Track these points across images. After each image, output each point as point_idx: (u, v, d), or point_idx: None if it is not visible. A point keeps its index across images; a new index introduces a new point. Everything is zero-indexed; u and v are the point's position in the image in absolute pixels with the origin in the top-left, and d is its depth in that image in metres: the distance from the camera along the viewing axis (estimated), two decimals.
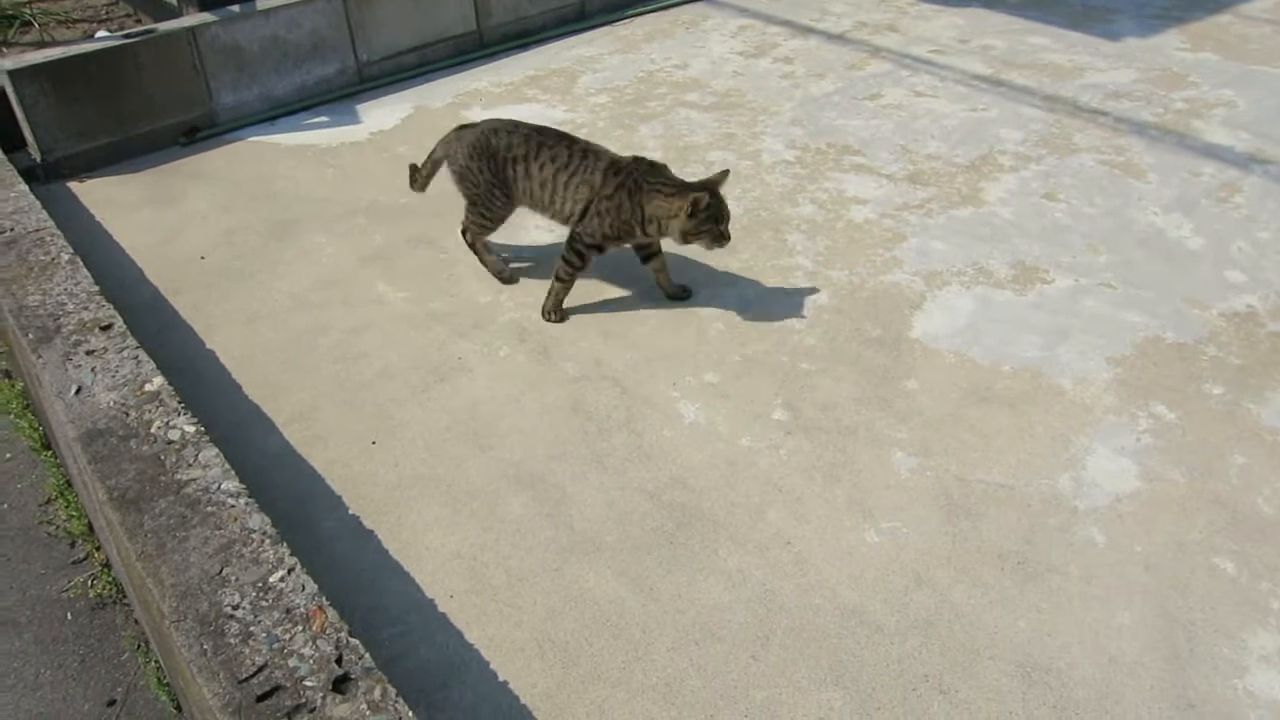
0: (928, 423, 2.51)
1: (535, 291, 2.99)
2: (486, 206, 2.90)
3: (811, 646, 1.96)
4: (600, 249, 2.80)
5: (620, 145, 3.85)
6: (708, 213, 2.62)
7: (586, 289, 3.00)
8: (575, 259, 2.80)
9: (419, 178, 3.10)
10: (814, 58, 4.66)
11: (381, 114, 4.19)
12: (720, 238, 2.68)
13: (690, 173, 3.66)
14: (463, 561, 2.15)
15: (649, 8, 5.28)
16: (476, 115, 4.13)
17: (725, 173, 2.74)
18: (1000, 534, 2.21)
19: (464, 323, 2.89)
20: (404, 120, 4.14)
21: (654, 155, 3.78)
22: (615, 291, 3.03)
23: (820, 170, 3.66)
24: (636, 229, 2.74)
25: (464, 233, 3.02)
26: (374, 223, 3.40)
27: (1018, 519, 2.24)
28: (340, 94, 4.32)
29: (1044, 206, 3.43)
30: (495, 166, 2.84)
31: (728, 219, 2.69)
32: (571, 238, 2.79)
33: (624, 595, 2.07)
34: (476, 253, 3.05)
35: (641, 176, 2.72)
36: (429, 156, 3.04)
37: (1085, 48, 4.71)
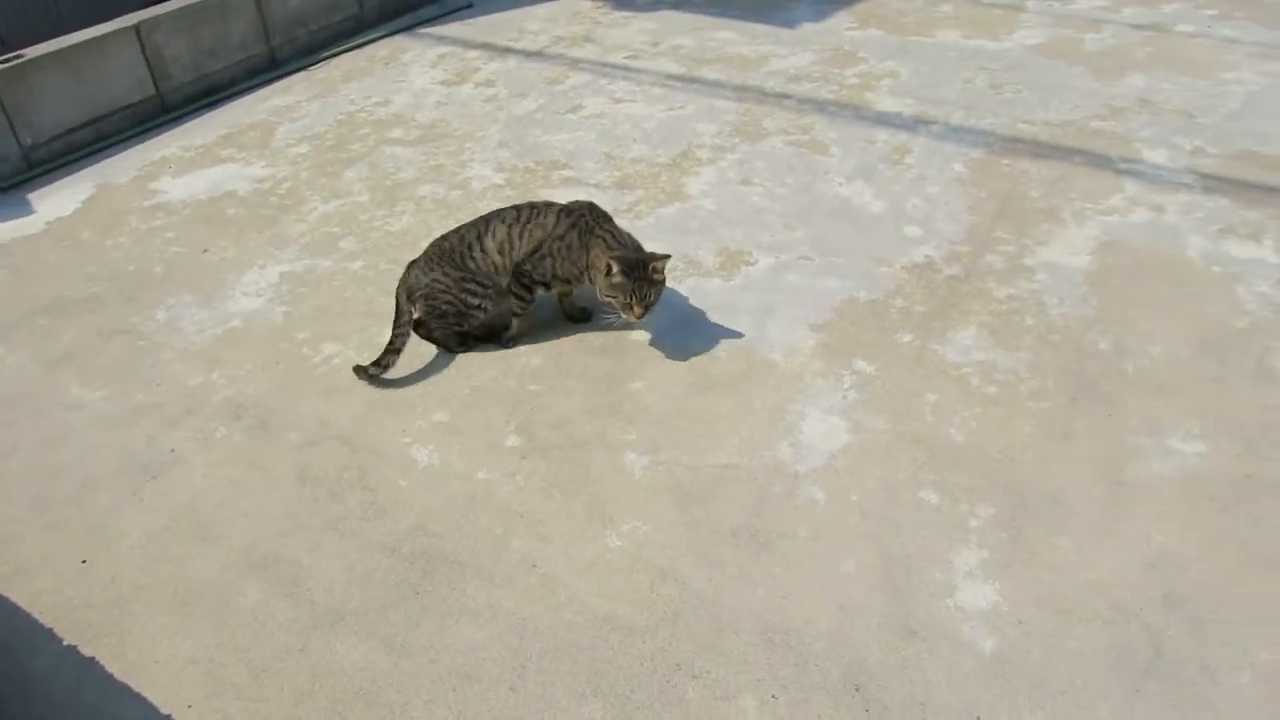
0: (655, 420, 2.60)
1: (245, 363, 2.85)
2: (465, 305, 2.83)
3: (568, 663, 1.99)
4: (546, 286, 2.83)
5: (326, 194, 3.76)
6: (618, 283, 2.64)
7: (293, 347, 2.90)
8: (524, 293, 2.83)
9: (397, 337, 2.78)
10: (515, 78, 4.73)
11: (58, 199, 3.85)
12: (625, 308, 2.67)
13: (399, 209, 3.63)
14: (198, 667, 2.02)
15: (344, 47, 5.17)
16: (166, 185, 3.89)
17: (666, 256, 2.72)
18: (732, 512, 2.33)
19: (174, 411, 2.70)
20: (85, 202, 3.82)
21: (361, 198, 3.72)
22: (331, 347, 2.94)
23: (530, 189, 3.72)
24: (583, 274, 2.79)
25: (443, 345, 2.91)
26: (59, 321, 3.11)
27: (746, 494, 2.37)
28: (5, 185, 3.93)
29: (742, 193, 3.64)
30: (456, 262, 2.81)
31: (641, 300, 2.65)
32: (518, 273, 2.79)
33: (374, 659, 2.01)
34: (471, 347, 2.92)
35: (594, 220, 2.79)
36: (397, 314, 2.81)
37: (767, 37, 5.05)
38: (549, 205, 2.89)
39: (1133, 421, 2.58)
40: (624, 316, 2.71)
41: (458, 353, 2.88)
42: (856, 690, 1.93)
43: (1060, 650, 2.00)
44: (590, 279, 2.81)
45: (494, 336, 2.91)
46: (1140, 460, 2.46)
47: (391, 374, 2.78)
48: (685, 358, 2.82)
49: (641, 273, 2.64)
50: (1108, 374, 2.74)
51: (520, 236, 2.82)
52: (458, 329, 2.86)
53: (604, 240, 2.75)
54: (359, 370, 2.75)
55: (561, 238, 2.78)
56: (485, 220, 2.90)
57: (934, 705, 1.90)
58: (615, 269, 2.64)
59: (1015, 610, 2.09)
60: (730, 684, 1.95)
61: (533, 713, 1.90)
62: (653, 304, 2.69)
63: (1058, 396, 2.66)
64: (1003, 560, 2.20)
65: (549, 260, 2.79)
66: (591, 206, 2.87)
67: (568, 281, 2.85)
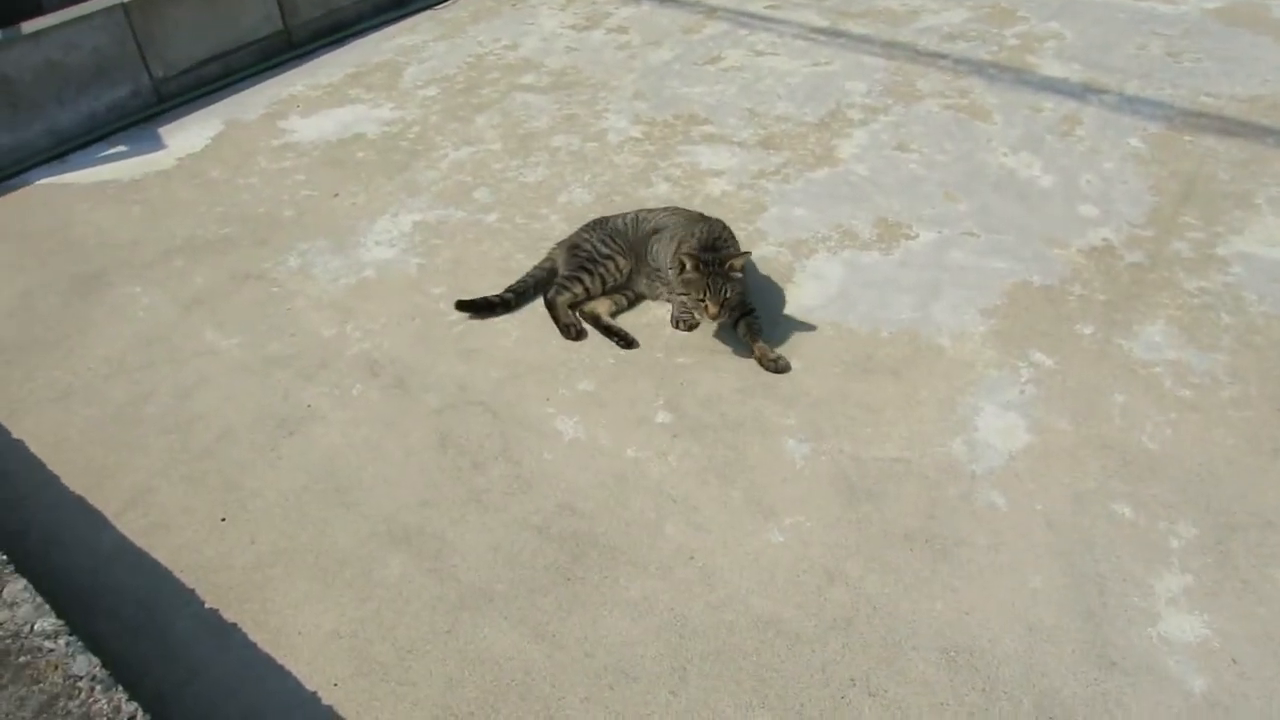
0: (815, 403, 2.41)
1: (380, 316, 2.75)
2: (597, 251, 2.76)
3: (731, 669, 1.84)
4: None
5: (457, 140, 3.62)
6: (691, 279, 2.45)
7: (428, 302, 2.78)
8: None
9: (521, 281, 2.80)
10: (648, 24, 4.50)
11: (188, 135, 3.79)
12: (698, 306, 2.45)
13: (534, 160, 3.47)
14: (343, 641, 1.92)
15: None
16: (295, 124, 3.80)
17: (747, 253, 2.56)
18: (903, 512, 2.14)
19: (308, 364, 2.61)
20: (215, 138, 3.75)
21: (494, 146, 3.58)
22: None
23: (670, 145, 3.52)
24: (654, 275, 2.76)
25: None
26: (193, 262, 3.05)
27: (918, 493, 2.18)
28: (138, 118, 3.89)
29: (898, 159, 3.39)
30: (606, 228, 2.82)
31: (715, 296, 2.42)
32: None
33: (525, 648, 1.89)
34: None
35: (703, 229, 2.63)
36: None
37: None
38: (696, 220, 2.72)
39: None
40: (698, 318, 2.52)
41: (569, 339, 2.65)
42: None
43: None
44: (665, 284, 2.63)
45: (614, 335, 2.66)
46: None
47: (536, 343, 2.63)
48: (843, 337, 2.62)
49: (716, 267, 2.42)
50: None
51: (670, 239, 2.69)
52: (580, 275, 2.69)
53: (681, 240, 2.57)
54: (462, 305, 2.72)
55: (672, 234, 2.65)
56: (652, 212, 2.81)
57: None
58: (688, 265, 2.43)
59: (1228, 647, 1.87)
60: (910, 706, 1.78)
61: (695, 719, 1.76)
62: (730, 302, 2.45)
63: (1263, 406, 2.39)
64: (1210, 588, 1.97)
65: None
66: (722, 225, 2.67)
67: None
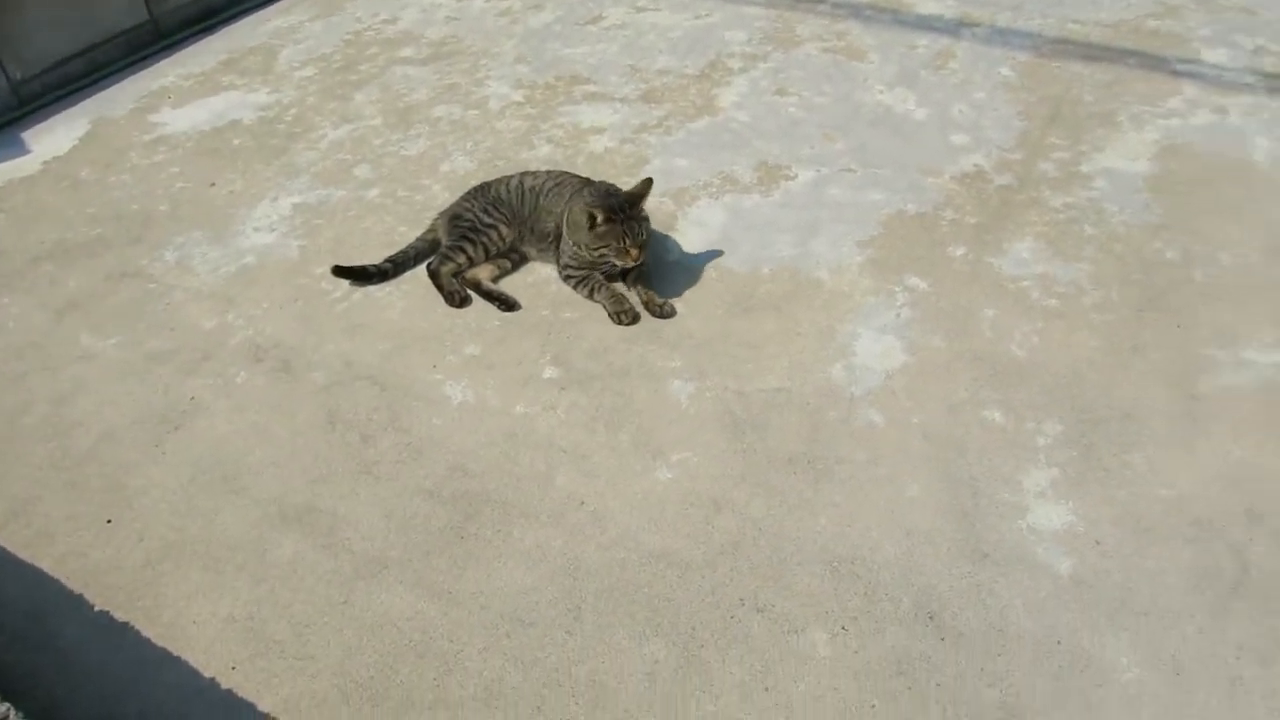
0: (699, 345, 2.46)
1: (262, 302, 2.72)
2: (480, 221, 2.76)
3: (625, 603, 1.89)
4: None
5: (336, 119, 3.58)
6: (604, 230, 2.47)
7: (311, 283, 2.76)
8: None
9: (401, 251, 2.80)
10: None
11: (54, 137, 3.66)
12: (621, 254, 2.48)
13: (414, 133, 3.45)
14: (239, 625, 1.92)
15: None
16: (167, 116, 3.70)
17: (648, 181, 2.54)
18: (786, 439, 2.20)
19: (190, 357, 2.57)
20: (83, 138, 3.63)
21: (374, 122, 3.54)
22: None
23: (552, 106, 3.52)
24: (550, 239, 2.76)
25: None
26: (64, 267, 2.95)
27: (800, 419, 2.24)
28: None
29: (777, 104, 3.43)
30: (488, 194, 2.82)
31: (635, 240, 2.46)
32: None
33: (422, 608, 1.91)
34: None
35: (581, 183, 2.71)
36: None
37: None
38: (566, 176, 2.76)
39: (1204, 332, 2.42)
40: (619, 265, 2.53)
41: (453, 306, 2.64)
42: (930, 619, 1.83)
43: (1140, 570, 1.90)
44: (572, 244, 2.58)
45: (495, 299, 2.66)
46: (1214, 372, 2.32)
47: (421, 313, 2.63)
48: (725, 279, 2.67)
49: (626, 212, 2.45)
50: (1176, 284, 2.58)
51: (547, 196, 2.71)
52: (463, 245, 2.68)
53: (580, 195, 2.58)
54: (339, 271, 2.73)
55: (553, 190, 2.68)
56: (534, 175, 2.82)
57: (1012, 631, 1.80)
58: (599, 217, 2.44)
59: (1091, 530, 1.97)
60: (797, 617, 1.84)
61: (592, 655, 1.80)
62: (646, 242, 2.49)
63: (1123, 309, 2.50)
64: (1075, 479, 2.08)
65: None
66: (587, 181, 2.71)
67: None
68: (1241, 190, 2.90)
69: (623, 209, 2.45)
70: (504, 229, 2.70)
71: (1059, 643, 1.79)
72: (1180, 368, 2.33)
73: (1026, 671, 1.74)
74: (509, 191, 2.75)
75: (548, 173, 2.80)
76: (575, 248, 2.55)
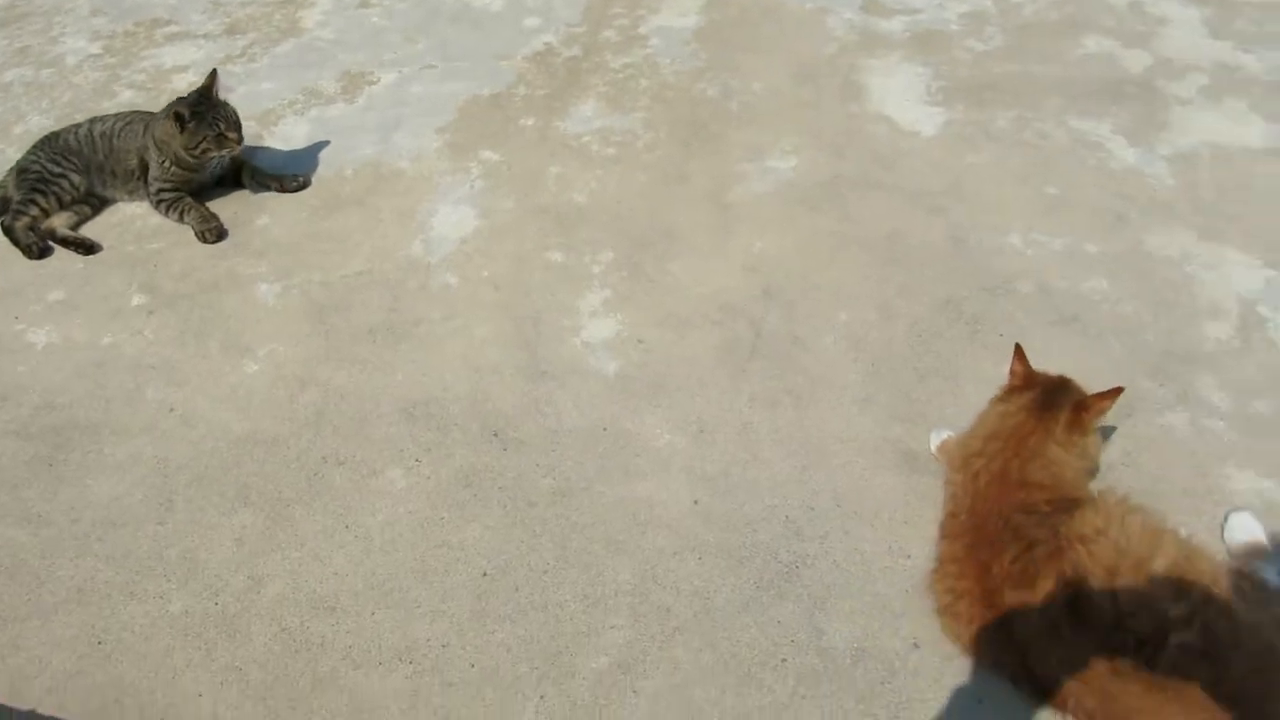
0: (285, 249, 2.58)
1: None
2: (48, 171, 2.72)
3: (215, 486, 2.02)
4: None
5: None
6: (195, 126, 2.58)
7: None
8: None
9: None
10: None
11: None
12: (221, 142, 2.61)
13: None
14: None
15: None
16: None
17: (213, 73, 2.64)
18: (368, 314, 2.38)
19: None
20: None
21: None
22: None
23: (133, 53, 3.44)
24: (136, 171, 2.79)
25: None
26: None
27: (381, 295, 2.43)
28: None
29: (360, 16, 3.53)
30: (56, 144, 2.78)
31: (230, 124, 2.61)
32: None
33: (12, 536, 1.96)
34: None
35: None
36: None
37: None
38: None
39: (737, 152, 2.80)
40: (225, 153, 2.63)
41: (32, 258, 2.62)
42: (495, 436, 2.08)
43: (677, 356, 2.22)
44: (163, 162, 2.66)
45: (72, 245, 2.66)
46: (743, 183, 2.69)
47: (0, 269, 2.59)
48: (311, 186, 2.78)
49: (209, 103, 2.58)
50: (716, 115, 2.94)
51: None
52: (34, 198, 2.66)
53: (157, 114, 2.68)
54: None
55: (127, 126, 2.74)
56: (104, 119, 2.81)
57: (565, 430, 2.08)
58: (188, 115, 2.54)
59: (635, 332, 2.28)
60: (375, 461, 2.04)
61: (184, 537, 1.93)
62: (239, 122, 2.64)
63: (671, 145, 2.84)
64: (623, 294, 2.38)
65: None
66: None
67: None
68: (775, 27, 3.31)
69: (201, 101, 2.57)
70: (75, 177, 2.68)
71: (604, 429, 2.08)
72: (717, 186, 2.69)
73: (577, 459, 2.02)
74: (78, 140, 2.72)
75: (116, 115, 2.78)
76: (173, 166, 2.63)
